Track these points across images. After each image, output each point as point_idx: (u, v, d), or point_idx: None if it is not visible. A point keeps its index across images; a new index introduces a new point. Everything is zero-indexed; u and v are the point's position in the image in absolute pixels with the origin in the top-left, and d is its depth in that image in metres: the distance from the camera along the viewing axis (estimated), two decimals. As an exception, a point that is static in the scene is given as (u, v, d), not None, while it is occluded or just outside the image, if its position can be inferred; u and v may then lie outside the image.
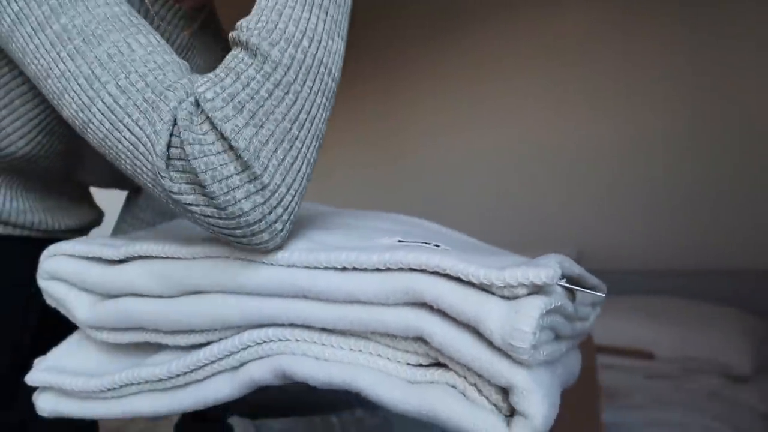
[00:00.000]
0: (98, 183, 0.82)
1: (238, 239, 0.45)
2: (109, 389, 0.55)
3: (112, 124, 0.47)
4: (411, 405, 0.42)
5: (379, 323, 0.43)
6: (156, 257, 0.53)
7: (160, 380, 0.53)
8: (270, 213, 0.44)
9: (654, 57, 2.12)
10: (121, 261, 0.56)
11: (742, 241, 1.98)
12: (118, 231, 0.88)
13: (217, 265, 0.49)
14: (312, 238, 0.50)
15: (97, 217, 0.85)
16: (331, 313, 0.45)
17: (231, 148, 0.42)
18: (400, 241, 0.50)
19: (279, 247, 0.47)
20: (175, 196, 0.44)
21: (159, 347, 0.57)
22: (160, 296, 0.53)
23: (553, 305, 0.39)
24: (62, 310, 0.61)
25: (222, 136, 0.42)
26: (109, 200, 0.94)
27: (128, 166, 0.48)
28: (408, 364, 0.44)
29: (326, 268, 0.45)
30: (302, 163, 0.46)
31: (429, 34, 2.58)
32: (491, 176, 2.44)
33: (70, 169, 0.74)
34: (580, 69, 2.25)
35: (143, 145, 0.45)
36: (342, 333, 0.46)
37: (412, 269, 0.42)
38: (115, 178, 0.79)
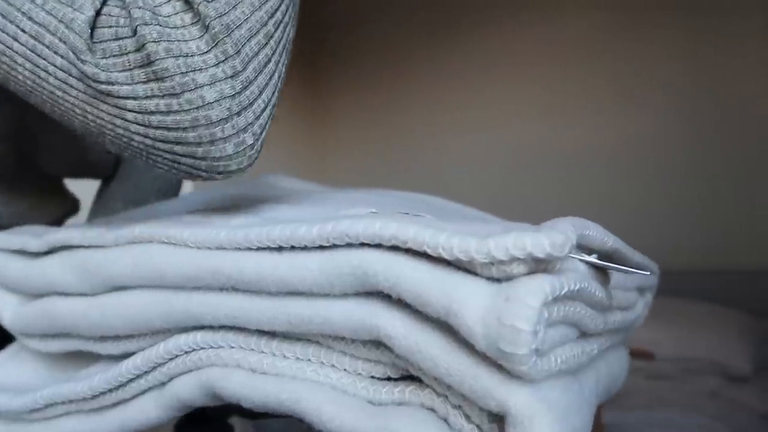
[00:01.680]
0: (65, 172, 0.68)
1: (190, 148, 0.31)
2: (32, 410, 0.42)
3: (4, 16, 0.33)
4: None
5: (324, 322, 0.29)
6: (78, 246, 0.41)
7: (85, 399, 0.39)
8: (240, 114, 0.31)
9: (654, 60, 2.01)
10: (46, 253, 0.44)
11: (742, 241, 1.86)
12: None
13: (140, 251, 0.36)
14: (256, 212, 0.36)
15: (70, 208, 0.71)
16: (265, 309, 0.31)
17: (198, 19, 0.30)
18: (372, 212, 0.36)
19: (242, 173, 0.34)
20: (102, 86, 0.31)
21: (97, 357, 0.44)
22: (83, 294, 0.40)
23: (566, 289, 0.24)
24: None
25: (188, 5, 0.31)
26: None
27: (26, 76, 0.34)
28: (372, 377, 0.30)
29: (259, 248, 0.31)
30: (275, 70, 0.34)
31: (433, 39, 2.47)
32: (491, 177, 2.31)
33: (27, 158, 0.61)
34: (581, 72, 2.13)
35: (51, 33, 0.32)
36: (286, 337, 0.32)
37: (363, 244, 0.28)
38: (81, 164, 0.66)
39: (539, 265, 0.25)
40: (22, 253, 0.45)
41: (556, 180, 2.18)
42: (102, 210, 0.74)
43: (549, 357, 0.25)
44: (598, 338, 0.32)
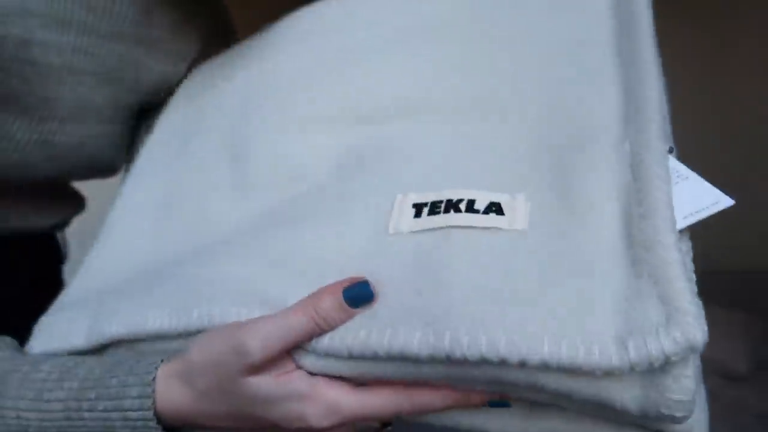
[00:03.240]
0: (72, 177, 0.60)
1: None
2: None
3: None
4: None
5: None
6: (139, 341, 0.37)
7: None
8: None
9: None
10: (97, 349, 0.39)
11: (741, 241, 1.77)
12: None
13: None
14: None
15: (76, 208, 0.65)
16: None
17: None
18: (415, 206, 0.31)
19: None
20: None
21: None
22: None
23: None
24: None
25: None
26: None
27: None
28: None
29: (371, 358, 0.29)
30: None
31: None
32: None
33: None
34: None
35: None
36: None
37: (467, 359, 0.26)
38: (89, 170, 0.58)
39: None
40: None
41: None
42: None
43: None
44: None
